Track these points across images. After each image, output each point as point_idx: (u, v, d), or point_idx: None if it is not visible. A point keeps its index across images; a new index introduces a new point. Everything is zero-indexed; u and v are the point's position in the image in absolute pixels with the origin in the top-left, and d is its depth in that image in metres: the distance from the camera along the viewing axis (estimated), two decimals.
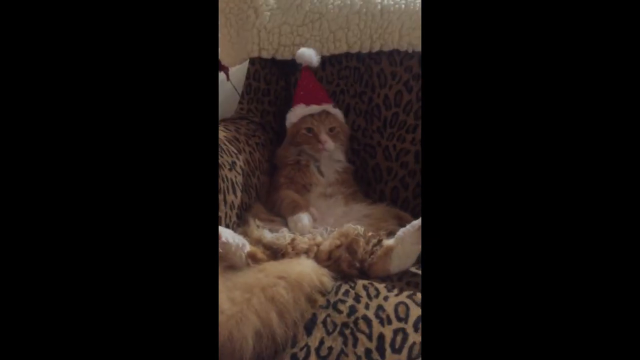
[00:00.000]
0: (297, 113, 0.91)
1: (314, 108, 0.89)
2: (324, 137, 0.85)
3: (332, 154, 0.89)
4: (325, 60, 1.04)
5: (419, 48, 0.95)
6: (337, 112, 0.94)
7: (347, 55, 1.02)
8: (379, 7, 0.96)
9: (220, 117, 1.00)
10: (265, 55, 1.01)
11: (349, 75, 1.04)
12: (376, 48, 0.98)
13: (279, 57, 1.01)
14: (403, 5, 0.95)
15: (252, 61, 1.04)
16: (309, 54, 0.92)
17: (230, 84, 1.39)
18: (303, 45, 0.98)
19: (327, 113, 0.90)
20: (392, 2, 0.95)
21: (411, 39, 0.94)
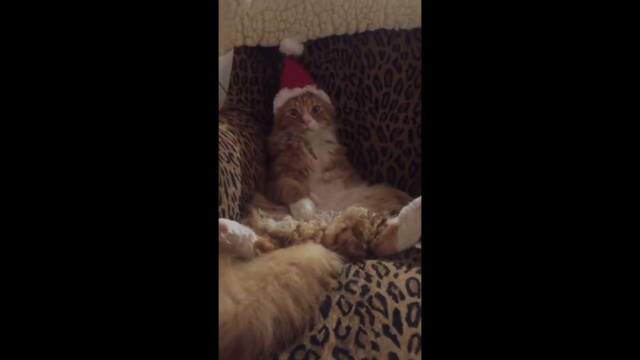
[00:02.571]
0: (281, 97, 0.93)
1: (297, 91, 0.92)
2: (306, 116, 0.88)
3: (320, 134, 0.91)
4: (312, 44, 1.03)
5: (405, 26, 0.95)
6: (321, 93, 0.95)
7: (334, 37, 1.01)
8: None
9: None
10: (250, 43, 0.99)
11: (337, 58, 1.03)
12: (362, 28, 0.97)
13: (264, 44, 1.00)
14: None
15: (237, 50, 1.02)
16: (291, 44, 0.97)
17: None
18: (288, 30, 0.98)
19: (310, 94, 0.92)
20: None
21: (397, 16, 0.94)
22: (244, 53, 1.02)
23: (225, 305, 0.47)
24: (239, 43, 0.99)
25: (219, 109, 1.01)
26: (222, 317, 0.46)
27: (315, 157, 0.89)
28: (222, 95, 1.12)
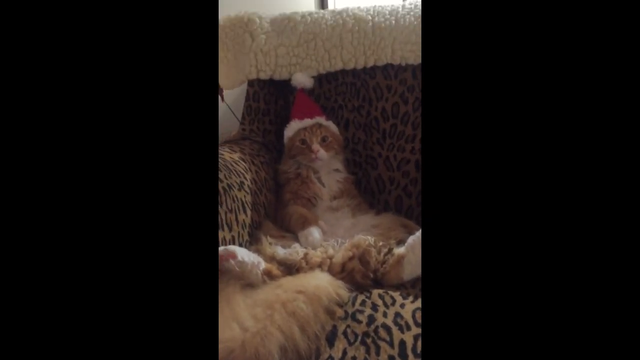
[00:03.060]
0: (292, 127, 0.97)
1: (307, 121, 0.96)
2: (315, 146, 0.91)
3: (329, 163, 0.94)
4: (322, 78, 1.07)
5: (411, 61, 0.99)
6: (330, 124, 0.99)
7: (343, 71, 1.06)
8: (370, 24, 1.00)
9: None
10: (263, 76, 1.04)
11: (346, 90, 1.07)
12: (370, 63, 1.01)
13: (276, 77, 1.05)
14: (393, 22, 0.99)
15: (251, 83, 1.07)
16: (302, 78, 1.02)
17: (226, 105, 1.42)
18: (300, 65, 1.03)
19: (319, 125, 0.96)
20: (382, 19, 1.00)
21: (403, 52, 0.98)
22: (257, 86, 1.07)
23: (233, 333, 0.48)
24: (253, 76, 1.04)
25: (233, 139, 1.05)
26: (229, 344, 0.47)
27: (323, 185, 0.92)
28: (236, 125, 1.16)
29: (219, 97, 1.40)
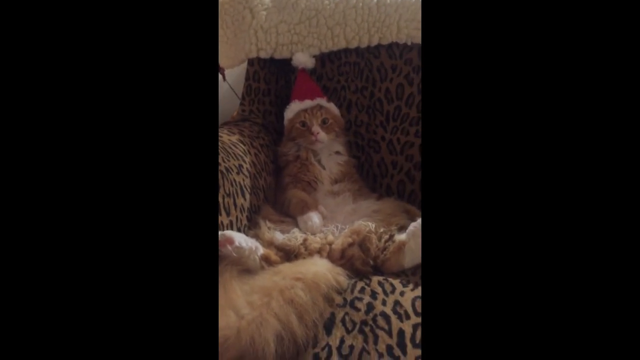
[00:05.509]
0: (292, 109, 0.95)
1: (307, 103, 0.93)
2: (315, 128, 0.89)
3: (329, 145, 0.92)
4: (324, 57, 1.04)
5: (417, 40, 0.94)
6: (331, 106, 0.96)
7: (346, 50, 1.02)
8: (375, 0, 0.95)
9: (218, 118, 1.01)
10: (263, 55, 1.01)
11: (349, 70, 1.03)
12: (375, 42, 0.97)
13: (277, 56, 1.01)
14: None
15: (251, 62, 1.04)
16: (303, 58, 0.99)
17: (227, 84, 1.39)
18: (301, 43, 0.99)
19: (320, 106, 0.93)
20: None
21: (409, 30, 0.94)
22: (257, 65, 1.03)
23: (229, 320, 0.47)
24: (253, 55, 1.01)
25: (232, 120, 1.02)
26: (225, 331, 0.46)
27: (323, 168, 0.90)
28: (237, 105, 1.14)
29: (221, 77, 1.37)
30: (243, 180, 0.76)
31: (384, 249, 0.65)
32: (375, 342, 0.48)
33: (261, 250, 0.63)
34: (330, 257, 0.64)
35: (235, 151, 0.80)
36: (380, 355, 0.47)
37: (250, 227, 0.73)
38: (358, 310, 0.53)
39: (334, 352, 0.48)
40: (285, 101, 1.02)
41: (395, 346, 0.48)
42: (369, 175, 1.00)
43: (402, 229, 0.68)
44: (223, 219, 0.67)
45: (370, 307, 0.53)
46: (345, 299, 0.55)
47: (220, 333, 0.46)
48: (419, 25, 0.93)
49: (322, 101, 0.94)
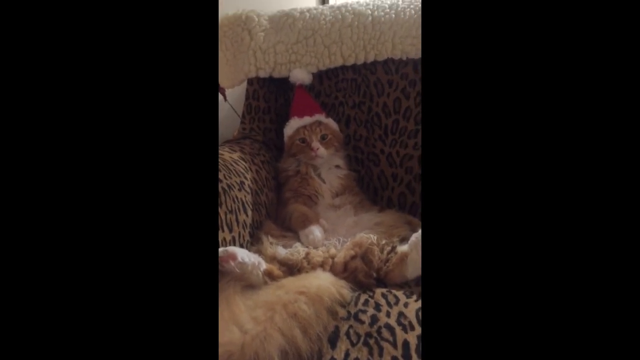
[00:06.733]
0: (291, 126, 0.97)
1: (307, 119, 0.95)
2: (315, 144, 0.90)
3: (329, 159, 0.93)
4: (322, 74, 1.06)
5: (412, 55, 0.97)
6: (330, 121, 0.98)
7: (343, 67, 1.04)
8: (370, 19, 0.98)
9: (220, 137, 1.02)
10: (262, 74, 1.03)
11: (346, 87, 1.06)
12: (371, 58, 1.00)
13: (276, 75, 1.04)
14: (393, 15, 0.97)
15: (250, 81, 1.06)
16: (301, 75, 1.01)
17: (228, 104, 1.41)
18: (299, 62, 1.02)
19: (319, 122, 0.95)
20: (382, 13, 0.98)
21: (404, 46, 0.97)
22: (257, 84, 1.06)
23: (233, 335, 0.47)
24: (252, 75, 1.03)
25: (233, 138, 1.04)
26: (229, 347, 0.46)
27: (324, 182, 0.91)
28: (238, 124, 1.16)
29: (222, 97, 1.40)
30: (245, 196, 0.77)
31: (387, 260, 0.65)
32: (381, 354, 0.48)
33: (264, 266, 0.63)
34: (333, 270, 0.64)
35: (236, 168, 0.81)
36: None
37: (253, 242, 0.74)
38: (362, 322, 0.53)
39: None
40: (285, 118, 1.04)
41: (400, 358, 0.47)
42: (370, 188, 1.01)
43: (404, 240, 0.68)
44: (226, 235, 0.67)
45: (374, 319, 0.53)
46: (349, 312, 0.55)
47: (224, 349, 0.46)
48: (414, 42, 0.95)
49: (321, 117, 0.96)
